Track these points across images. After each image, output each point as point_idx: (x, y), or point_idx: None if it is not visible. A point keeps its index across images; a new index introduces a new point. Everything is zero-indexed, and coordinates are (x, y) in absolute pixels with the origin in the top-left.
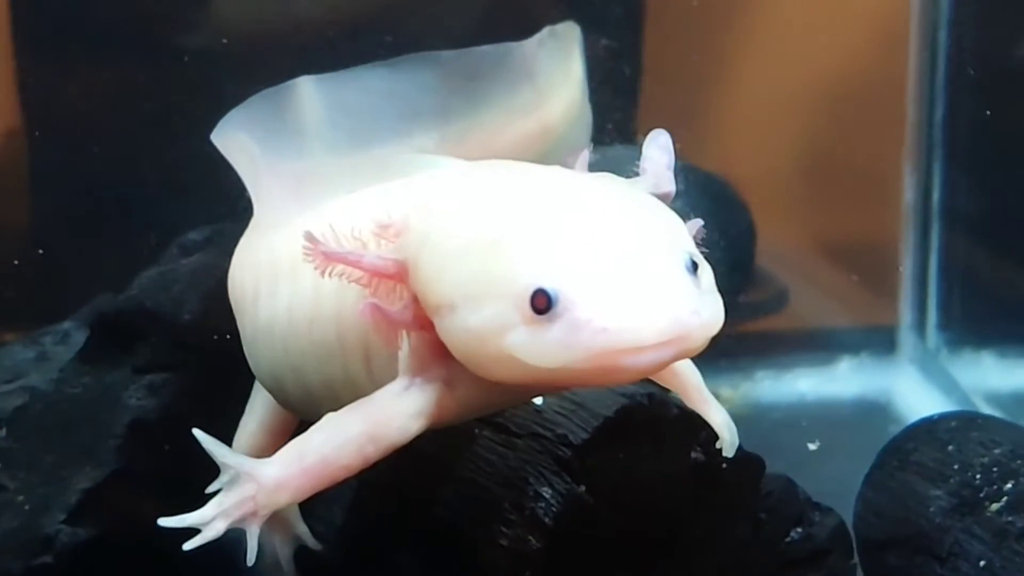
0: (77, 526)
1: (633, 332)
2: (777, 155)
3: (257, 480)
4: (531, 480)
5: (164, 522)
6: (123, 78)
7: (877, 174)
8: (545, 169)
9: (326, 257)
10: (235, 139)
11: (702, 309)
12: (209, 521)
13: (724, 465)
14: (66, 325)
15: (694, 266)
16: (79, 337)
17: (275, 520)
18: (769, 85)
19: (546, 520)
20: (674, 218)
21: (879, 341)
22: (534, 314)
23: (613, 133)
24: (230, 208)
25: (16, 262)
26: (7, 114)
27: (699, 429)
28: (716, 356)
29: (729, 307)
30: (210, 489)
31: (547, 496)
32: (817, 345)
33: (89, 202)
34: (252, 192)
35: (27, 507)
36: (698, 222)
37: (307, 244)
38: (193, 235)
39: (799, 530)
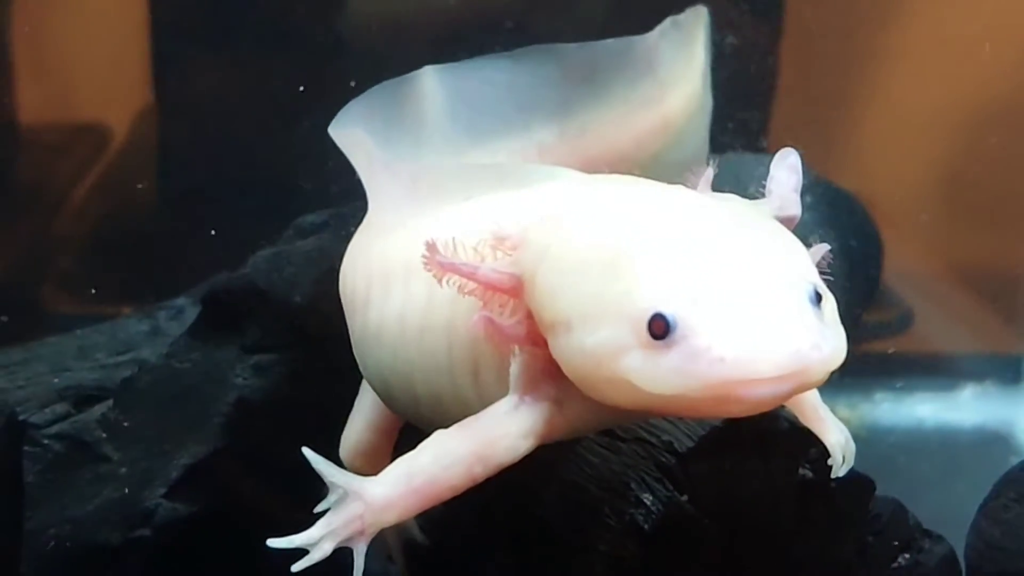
0: (176, 501)
1: (751, 364)
2: (914, 174)
3: (365, 500)
4: (633, 486)
5: (273, 543)
6: (254, 65)
7: (1014, 198)
8: (666, 188)
9: (442, 267)
10: (352, 134)
11: (823, 343)
12: (317, 542)
13: (833, 484)
14: (180, 301)
15: (818, 297)
16: (192, 313)
17: None
18: (913, 101)
19: (645, 527)
20: (798, 246)
21: (1005, 369)
22: (651, 339)
23: (736, 133)
24: (348, 194)
25: (137, 239)
26: (141, 94)
27: (809, 446)
28: (835, 376)
29: (852, 326)
30: (318, 508)
31: (648, 503)
32: (940, 370)
33: (213, 183)
34: (367, 189)
35: (129, 479)
36: (824, 247)
37: (425, 252)
38: (311, 217)
39: (907, 556)
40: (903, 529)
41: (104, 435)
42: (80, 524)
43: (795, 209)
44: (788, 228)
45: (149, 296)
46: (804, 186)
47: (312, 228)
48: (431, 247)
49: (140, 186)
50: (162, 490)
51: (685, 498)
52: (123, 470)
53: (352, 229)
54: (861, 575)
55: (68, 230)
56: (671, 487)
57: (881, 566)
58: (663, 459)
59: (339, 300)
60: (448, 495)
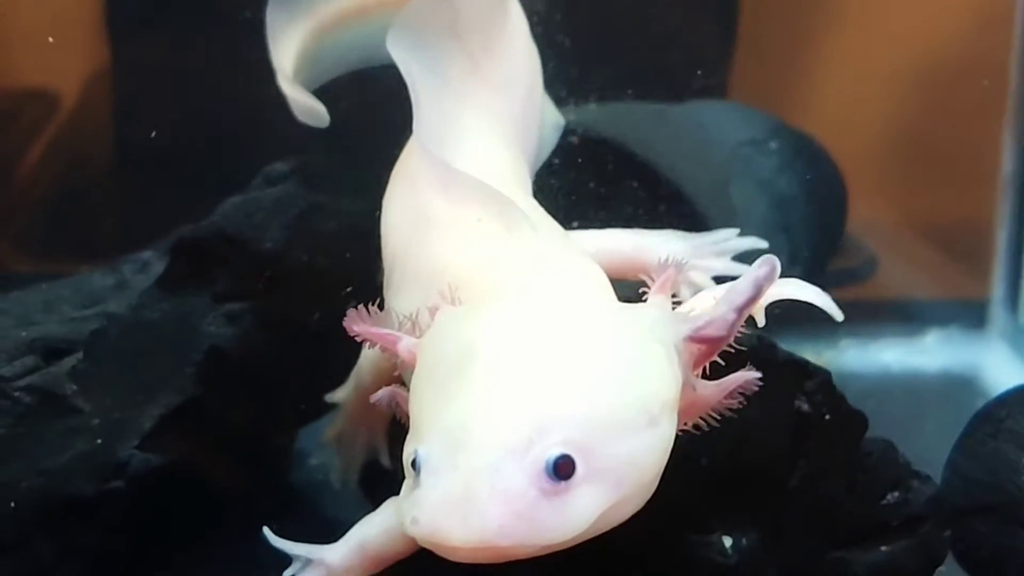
0: (150, 452)
1: (437, 535)
2: (870, 128)
3: (326, 565)
4: None
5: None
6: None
7: (973, 149)
8: (555, 317)
9: (364, 335)
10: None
11: (520, 527)
12: None
13: (827, 417)
14: (146, 255)
15: (566, 466)
16: (159, 267)
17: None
18: (867, 58)
19: None
20: (601, 399)
21: (969, 315)
22: (411, 471)
23: (700, 83)
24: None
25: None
26: (92, 56)
27: (807, 378)
28: (801, 321)
29: (817, 273)
30: (286, 574)
31: None
32: (904, 316)
33: (173, 141)
34: (414, 107)
35: (101, 431)
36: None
37: (347, 321)
38: (279, 166)
39: (896, 494)
40: (893, 467)
41: (75, 387)
42: (53, 477)
43: (721, 333)
44: (707, 347)
45: (110, 254)
46: (768, 131)
47: (280, 176)
48: (353, 318)
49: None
50: (135, 441)
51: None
52: (95, 422)
53: (319, 178)
54: (850, 510)
55: (21, 193)
56: None
57: (870, 503)
58: None
59: (311, 247)
60: (399, 558)
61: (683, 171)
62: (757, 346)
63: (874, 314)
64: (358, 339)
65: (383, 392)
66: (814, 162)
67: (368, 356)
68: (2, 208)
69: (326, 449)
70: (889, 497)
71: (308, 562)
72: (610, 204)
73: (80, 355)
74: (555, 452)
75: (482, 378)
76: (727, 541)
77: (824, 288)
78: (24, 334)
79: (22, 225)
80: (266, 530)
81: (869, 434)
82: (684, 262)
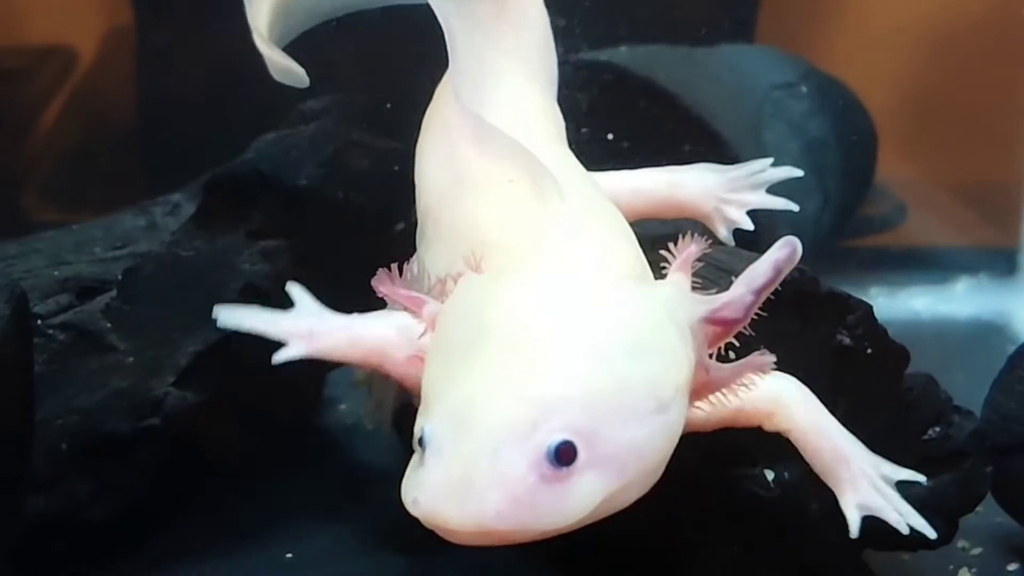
0: (186, 389)
1: (435, 516)
2: (898, 84)
3: (312, 327)
4: None
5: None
6: None
7: (1002, 103)
8: (570, 296)
9: (393, 297)
10: None
11: (517, 512)
12: (246, 321)
13: (869, 351)
14: (176, 197)
15: (567, 451)
16: (189, 209)
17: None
18: (896, 12)
19: None
20: (604, 384)
21: (998, 262)
22: (418, 447)
23: (730, 29)
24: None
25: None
26: (114, 11)
27: (848, 312)
28: (829, 269)
29: (847, 217)
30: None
31: None
32: (934, 264)
33: (196, 91)
34: (449, 51)
35: (137, 369)
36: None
37: (377, 280)
38: (313, 103)
39: (937, 429)
40: (934, 403)
41: (109, 325)
42: (88, 414)
43: (737, 315)
44: (722, 328)
45: (136, 202)
46: (799, 75)
47: (314, 114)
48: (381, 278)
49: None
50: (171, 379)
51: (732, 357)
52: (130, 359)
53: (354, 116)
54: (892, 446)
55: (43, 146)
56: None
57: (912, 438)
58: None
59: (347, 184)
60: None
61: (716, 112)
62: (799, 279)
63: (903, 262)
64: (386, 299)
65: (402, 357)
66: (845, 107)
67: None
68: (26, 160)
69: (357, 391)
70: (931, 432)
71: (305, 313)
72: (643, 143)
73: (113, 293)
74: (557, 438)
75: (491, 357)
76: (769, 475)
77: (854, 236)
78: (56, 273)
79: (46, 177)
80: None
81: (909, 370)
82: (719, 198)
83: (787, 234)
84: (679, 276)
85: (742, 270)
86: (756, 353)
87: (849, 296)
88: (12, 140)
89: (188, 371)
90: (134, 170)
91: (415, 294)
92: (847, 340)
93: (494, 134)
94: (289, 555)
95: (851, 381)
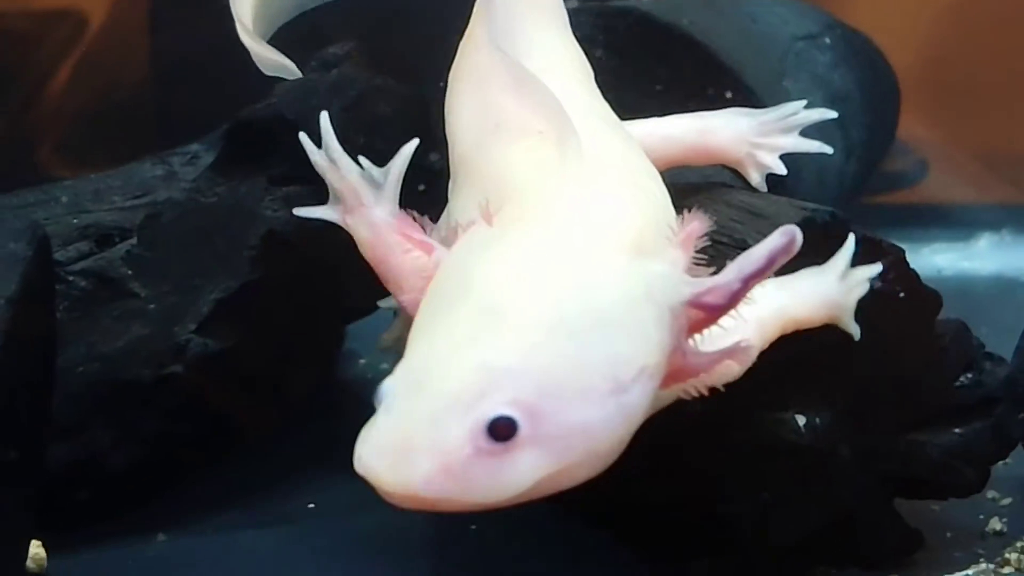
0: (208, 337)
1: (370, 473)
2: (922, 46)
3: (378, 205)
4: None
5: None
6: None
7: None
8: (554, 267)
9: (406, 239)
10: None
11: (447, 482)
12: (331, 162)
13: (901, 295)
14: (194, 147)
15: (506, 427)
16: (207, 159)
17: None
18: None
19: None
20: (566, 367)
21: (1020, 220)
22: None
23: None
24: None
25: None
26: None
27: (880, 255)
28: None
29: (869, 171)
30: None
31: None
32: (956, 221)
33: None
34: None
35: (158, 315)
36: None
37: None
38: (334, 49)
39: (969, 376)
40: (966, 349)
41: (130, 272)
42: (110, 361)
43: (720, 301)
44: (706, 314)
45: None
46: (822, 26)
47: (335, 60)
48: (401, 221)
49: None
50: (192, 325)
51: None
52: (151, 306)
53: (375, 61)
54: (924, 391)
55: (57, 106)
56: None
57: (944, 384)
58: (735, 256)
59: (369, 129)
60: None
61: (740, 61)
62: (830, 223)
63: (925, 219)
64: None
65: (408, 299)
66: (868, 60)
67: None
68: (40, 120)
69: (384, 354)
70: (963, 379)
71: (379, 186)
72: (669, 90)
73: (134, 241)
74: (499, 411)
75: (459, 320)
76: (801, 420)
77: (875, 191)
78: (76, 221)
79: (61, 135)
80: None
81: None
82: (751, 142)
83: (812, 187)
84: (677, 254)
85: (774, 214)
86: (736, 341)
87: (881, 240)
88: (25, 102)
89: (210, 318)
90: (147, 130)
91: (427, 239)
92: (879, 284)
93: (530, 81)
94: (311, 505)
95: (884, 326)
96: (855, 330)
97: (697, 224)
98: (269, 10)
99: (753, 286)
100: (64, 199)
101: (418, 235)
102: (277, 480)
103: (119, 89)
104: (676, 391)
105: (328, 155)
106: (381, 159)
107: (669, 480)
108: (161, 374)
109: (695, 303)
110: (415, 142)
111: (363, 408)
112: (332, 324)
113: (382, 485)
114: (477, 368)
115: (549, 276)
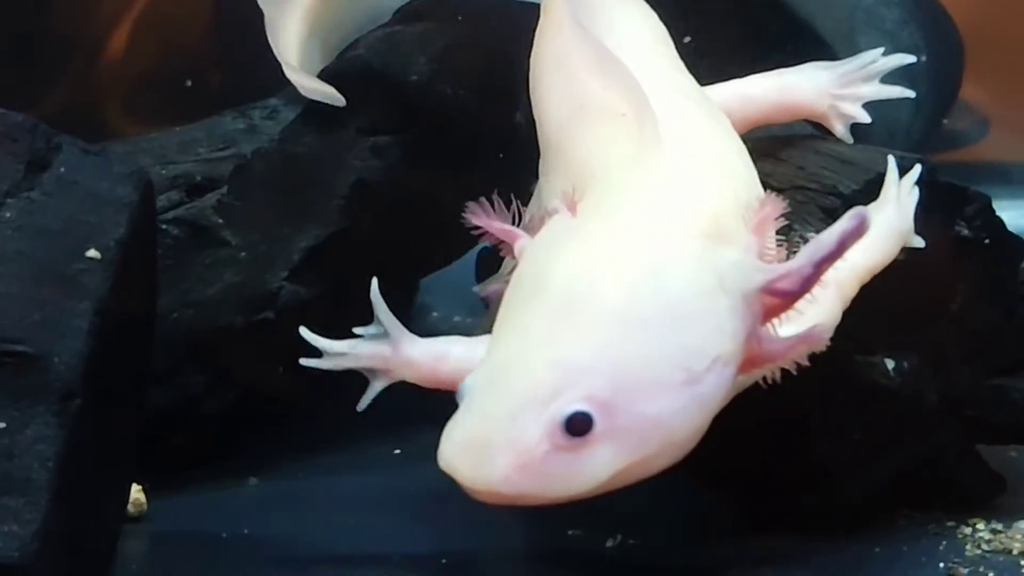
0: (299, 284)
1: (452, 471)
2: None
3: (396, 349)
4: (796, 226)
5: (303, 332)
6: None
7: None
8: (627, 259)
9: (487, 229)
10: None
11: (525, 479)
12: (335, 354)
13: (987, 241)
14: (273, 101)
15: (582, 422)
16: (287, 113)
17: None
18: None
19: None
20: (640, 360)
21: None
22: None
23: None
24: None
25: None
26: None
27: (966, 203)
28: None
29: (933, 127)
30: (356, 330)
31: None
32: (1016, 179)
33: None
34: None
35: (249, 263)
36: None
37: (469, 210)
38: (419, 1)
39: None
40: None
41: (221, 220)
42: (202, 308)
43: (794, 287)
44: (781, 300)
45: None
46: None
47: (422, 11)
48: (474, 209)
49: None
50: (284, 273)
51: None
52: (243, 254)
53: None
54: (1007, 338)
55: (120, 64)
56: None
57: None
58: (827, 202)
59: (456, 80)
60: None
61: (811, 13)
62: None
63: (986, 177)
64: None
65: (492, 289)
66: (933, 17)
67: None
68: (104, 80)
69: (457, 308)
70: None
71: (385, 335)
72: (744, 48)
73: (224, 190)
74: (574, 407)
75: (536, 316)
76: (890, 364)
77: (937, 149)
78: (164, 172)
79: (126, 94)
80: (373, 283)
81: None
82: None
83: (881, 143)
84: (751, 240)
85: (862, 160)
86: (812, 327)
87: (967, 187)
88: (88, 62)
89: (301, 266)
90: (212, 86)
91: (508, 227)
92: (965, 231)
93: (611, 61)
94: (397, 451)
95: (969, 271)
96: (920, 242)
97: (771, 208)
98: (326, 44)
99: (826, 270)
100: (150, 151)
101: (498, 224)
102: (362, 427)
103: (182, 46)
104: (755, 376)
105: (332, 351)
106: (467, 111)
107: (760, 423)
108: (253, 320)
109: (768, 290)
110: (375, 281)
111: None
112: (408, 276)
113: (464, 481)
114: (552, 365)
115: (621, 269)
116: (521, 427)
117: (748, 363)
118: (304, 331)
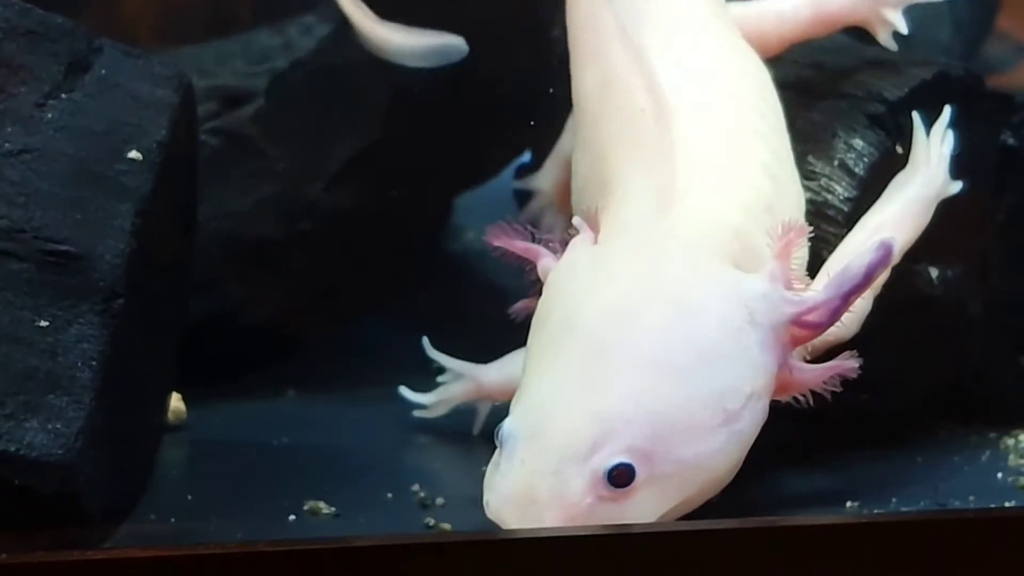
0: (337, 194)
1: (500, 522)
2: None
3: (479, 384)
4: (840, 133)
5: (402, 391)
6: None
7: None
8: (654, 294)
9: (509, 250)
10: None
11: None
12: (432, 405)
13: None
14: (309, 19)
15: (624, 473)
16: (322, 29)
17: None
18: None
19: (857, 170)
20: (678, 407)
21: None
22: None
23: None
24: None
25: None
26: None
27: (1011, 112)
28: None
29: (969, 53)
30: (439, 380)
31: (858, 148)
32: None
33: None
34: None
35: (288, 174)
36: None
37: (490, 234)
38: None
39: None
40: None
41: (259, 131)
42: (241, 218)
43: (823, 320)
44: (809, 331)
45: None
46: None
47: None
48: (495, 232)
49: None
50: (322, 184)
51: (897, 146)
52: (281, 165)
53: None
54: None
55: None
56: (882, 133)
57: None
58: (872, 109)
59: None
60: None
61: None
62: (964, 76)
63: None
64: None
65: (519, 306)
66: None
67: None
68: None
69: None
70: None
71: (460, 376)
72: None
73: (261, 102)
74: (615, 460)
75: (569, 361)
76: (934, 272)
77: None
78: (202, 84)
79: (156, 12)
80: (425, 341)
81: None
82: None
83: (923, 64)
84: (775, 266)
85: (906, 65)
86: (844, 355)
87: (1013, 95)
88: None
89: (338, 177)
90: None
91: (532, 245)
92: (1011, 140)
93: (636, 51)
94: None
95: (1014, 182)
96: (956, 188)
97: (794, 233)
98: None
99: (854, 301)
100: (186, 63)
101: (520, 243)
102: (396, 345)
103: None
104: (787, 398)
105: (430, 403)
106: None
107: None
108: (291, 230)
109: (798, 322)
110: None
111: (474, 282)
112: (444, 192)
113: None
114: (591, 418)
115: (650, 311)
116: (565, 482)
117: (780, 390)
118: (404, 390)
